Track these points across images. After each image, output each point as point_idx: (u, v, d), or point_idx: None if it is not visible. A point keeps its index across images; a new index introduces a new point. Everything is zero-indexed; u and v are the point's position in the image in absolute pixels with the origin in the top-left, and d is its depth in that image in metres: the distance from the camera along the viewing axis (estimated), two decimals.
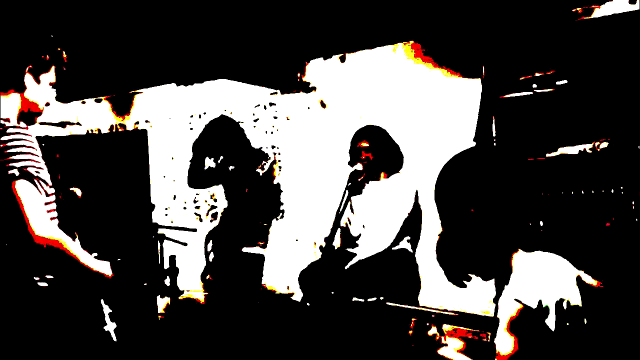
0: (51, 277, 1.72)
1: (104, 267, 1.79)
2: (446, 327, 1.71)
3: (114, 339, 2.14)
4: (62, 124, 5.60)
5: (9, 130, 1.67)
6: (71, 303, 1.77)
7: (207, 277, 3.58)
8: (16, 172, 1.63)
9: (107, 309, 2.20)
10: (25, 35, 1.80)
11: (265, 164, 3.24)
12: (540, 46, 2.74)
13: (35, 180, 1.66)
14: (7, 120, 1.71)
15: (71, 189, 2.88)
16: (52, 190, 1.82)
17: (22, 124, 1.73)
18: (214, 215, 4.92)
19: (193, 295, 4.45)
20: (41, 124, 5.01)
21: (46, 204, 1.72)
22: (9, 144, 1.65)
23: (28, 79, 1.80)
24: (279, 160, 3.27)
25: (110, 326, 2.15)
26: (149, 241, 3.81)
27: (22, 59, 1.79)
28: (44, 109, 1.88)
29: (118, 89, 5.34)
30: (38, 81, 1.82)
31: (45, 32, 1.84)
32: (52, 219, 1.77)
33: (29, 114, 1.85)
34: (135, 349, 3.65)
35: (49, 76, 1.86)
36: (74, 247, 1.70)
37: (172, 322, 4.06)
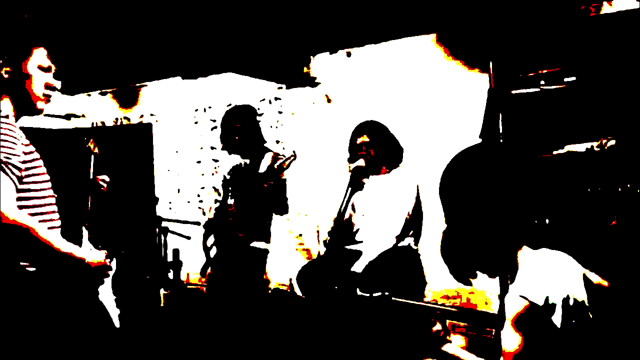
0: (40, 261, 1.74)
1: (84, 253, 1.81)
2: (451, 323, 1.70)
3: (117, 324, 2.15)
4: (67, 117, 5.61)
5: None
6: (63, 288, 1.79)
7: (209, 272, 3.58)
8: None
9: (111, 296, 2.20)
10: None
11: (287, 160, 3.24)
12: (548, 43, 2.72)
13: (4, 166, 1.68)
14: (6, 116, 1.74)
15: (99, 177, 2.88)
16: (45, 177, 1.83)
17: (2, 113, 1.74)
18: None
19: (196, 288, 4.46)
20: (46, 115, 5.01)
21: (22, 190, 1.74)
22: None
23: (11, 73, 1.79)
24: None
25: (114, 312, 2.16)
26: (152, 234, 3.82)
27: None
28: (50, 94, 1.88)
29: (124, 82, 5.34)
30: (23, 70, 1.81)
31: (10, 21, 1.84)
32: (46, 205, 1.80)
33: (29, 106, 1.85)
34: (138, 341, 3.66)
35: (35, 60, 1.84)
36: (44, 231, 1.72)
37: (174, 315, 4.07)
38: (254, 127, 3.54)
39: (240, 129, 3.49)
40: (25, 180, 1.75)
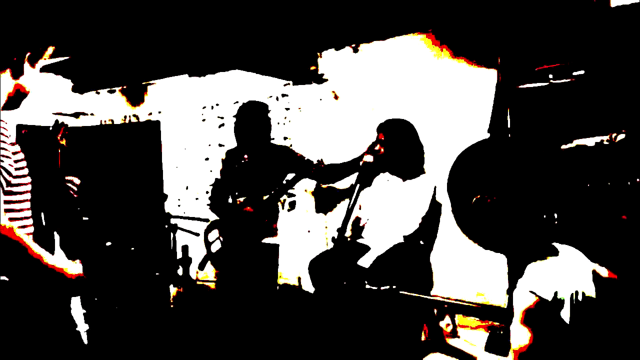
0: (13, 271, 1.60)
1: (67, 265, 1.66)
2: (459, 318, 1.70)
3: (85, 341, 2.03)
4: (76, 115, 5.64)
5: None
6: (32, 300, 1.66)
7: (208, 266, 3.60)
8: None
9: (80, 310, 2.06)
10: (30, 21, 1.77)
11: (313, 169, 3.29)
12: (556, 36, 2.70)
13: None
14: None
15: (68, 177, 2.50)
16: (28, 180, 1.72)
17: None
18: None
19: (205, 284, 4.47)
20: (55, 114, 5.05)
21: (12, 193, 1.62)
22: None
23: (26, 65, 1.73)
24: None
25: (82, 327, 2.04)
26: (161, 231, 3.84)
27: (25, 43, 1.73)
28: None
29: (131, 80, 5.36)
30: (33, 67, 1.77)
31: (44, 20, 1.82)
32: (24, 210, 1.68)
33: (16, 98, 1.76)
34: (146, 338, 3.68)
35: (40, 62, 1.81)
36: (32, 243, 1.57)
37: (183, 311, 4.09)
38: (267, 123, 3.60)
39: (255, 124, 3.54)
40: (12, 184, 1.62)
